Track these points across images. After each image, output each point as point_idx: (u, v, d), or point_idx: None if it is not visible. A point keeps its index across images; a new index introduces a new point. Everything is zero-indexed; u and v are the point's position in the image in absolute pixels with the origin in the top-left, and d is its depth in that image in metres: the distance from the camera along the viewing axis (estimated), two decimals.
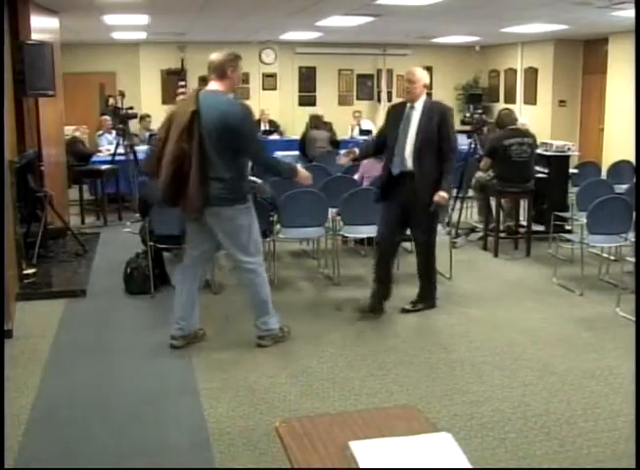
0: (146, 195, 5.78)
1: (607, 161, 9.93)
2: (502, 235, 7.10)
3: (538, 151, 7.32)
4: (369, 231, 5.90)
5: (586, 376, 4.09)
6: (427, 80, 4.99)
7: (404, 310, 5.22)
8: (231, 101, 4.33)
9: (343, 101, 14.85)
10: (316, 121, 10.29)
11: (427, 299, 5.30)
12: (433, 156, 4.90)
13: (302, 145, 10.15)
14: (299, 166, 4.78)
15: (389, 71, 14.83)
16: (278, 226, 5.93)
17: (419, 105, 4.96)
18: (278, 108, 13.92)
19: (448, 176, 4.98)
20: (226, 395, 3.85)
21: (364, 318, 5.05)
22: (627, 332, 4.78)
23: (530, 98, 13.74)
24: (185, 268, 4.60)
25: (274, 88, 14.27)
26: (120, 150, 8.84)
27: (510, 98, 14.34)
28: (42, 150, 6.81)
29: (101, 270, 6.37)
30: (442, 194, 4.86)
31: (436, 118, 4.90)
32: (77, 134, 9.83)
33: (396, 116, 5.03)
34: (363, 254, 6.63)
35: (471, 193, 7.76)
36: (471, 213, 8.12)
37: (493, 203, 7.21)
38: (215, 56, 4.29)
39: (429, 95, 5.63)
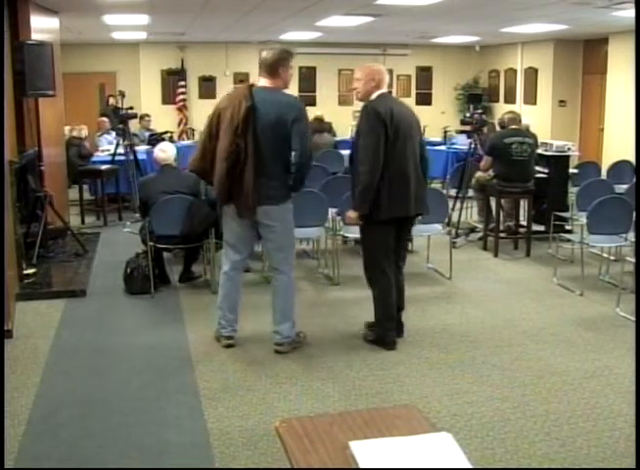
0: (146, 195, 5.78)
1: (607, 161, 9.93)
2: (502, 235, 7.09)
3: (538, 151, 7.32)
4: None
5: (586, 376, 4.09)
6: (372, 76, 4.26)
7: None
8: (290, 95, 4.26)
9: (344, 101, 14.85)
10: (318, 125, 9.53)
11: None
12: (355, 170, 4.33)
13: None
14: None
15: (390, 71, 14.82)
16: None
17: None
18: None
19: (356, 192, 4.32)
20: (226, 395, 3.85)
21: (364, 319, 5.04)
22: (627, 332, 4.79)
23: (530, 98, 13.74)
24: (231, 273, 4.43)
25: None
26: (120, 150, 8.85)
27: (510, 98, 14.35)
28: (42, 150, 6.80)
29: (101, 270, 6.37)
30: (347, 213, 4.46)
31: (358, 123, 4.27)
32: (75, 133, 9.78)
33: None
34: None
35: (471, 193, 7.76)
36: (471, 213, 8.12)
37: (493, 203, 7.21)
38: (267, 53, 4.18)
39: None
